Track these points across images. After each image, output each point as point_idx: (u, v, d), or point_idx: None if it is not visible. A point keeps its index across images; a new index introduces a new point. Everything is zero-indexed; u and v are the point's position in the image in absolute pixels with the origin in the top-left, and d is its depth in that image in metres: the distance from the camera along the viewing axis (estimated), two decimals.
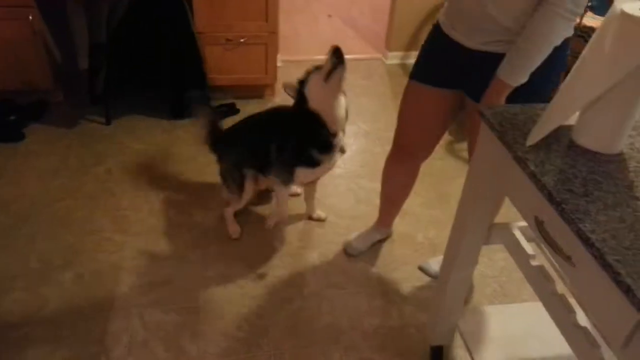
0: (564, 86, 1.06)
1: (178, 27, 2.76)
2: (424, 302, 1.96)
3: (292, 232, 2.26)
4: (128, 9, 2.67)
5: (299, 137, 1.93)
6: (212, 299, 1.93)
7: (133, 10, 2.68)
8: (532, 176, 1.04)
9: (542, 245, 1.41)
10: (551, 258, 1.37)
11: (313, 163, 1.95)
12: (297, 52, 3.97)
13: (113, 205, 2.34)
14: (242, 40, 2.97)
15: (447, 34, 1.56)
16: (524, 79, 1.41)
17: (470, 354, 1.53)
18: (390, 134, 3.04)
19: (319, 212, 2.34)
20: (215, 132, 2.22)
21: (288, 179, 2.00)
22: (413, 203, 2.45)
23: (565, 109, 1.06)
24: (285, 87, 1.92)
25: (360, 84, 3.57)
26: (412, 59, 3.88)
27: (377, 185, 2.57)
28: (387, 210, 2.16)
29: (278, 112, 2.14)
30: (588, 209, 0.94)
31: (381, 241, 2.24)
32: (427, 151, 1.90)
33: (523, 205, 1.13)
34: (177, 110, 3.02)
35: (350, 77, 3.62)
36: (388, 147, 2.93)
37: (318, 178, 2.19)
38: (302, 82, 1.88)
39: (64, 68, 3.11)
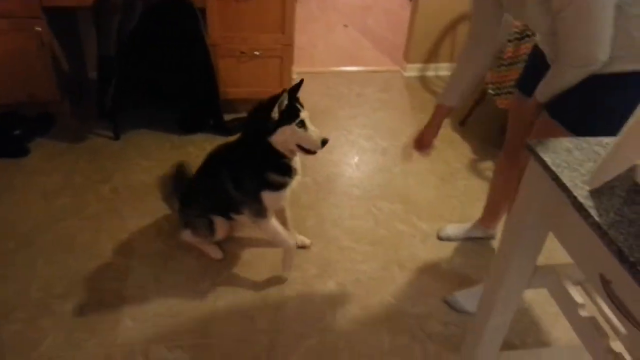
0: (635, 124, 0.91)
1: (191, 39, 2.65)
2: (450, 340, 1.81)
3: (307, 259, 2.13)
4: (140, 20, 2.56)
5: (254, 164, 1.81)
6: (221, 333, 1.79)
7: (145, 22, 2.57)
8: (597, 228, 0.89)
9: (594, 294, 1.27)
10: (604, 309, 1.22)
11: (277, 186, 1.83)
12: (313, 63, 3.84)
13: (118, 227, 2.22)
14: (256, 53, 2.84)
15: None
16: (546, 100, 1.49)
17: None
18: (410, 152, 2.92)
19: (301, 238, 2.19)
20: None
21: (260, 209, 1.86)
22: (436, 227, 2.31)
23: (636, 151, 0.91)
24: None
25: (378, 98, 3.44)
26: (431, 71, 3.75)
27: (397, 207, 2.45)
28: (490, 208, 2.16)
29: (221, 150, 1.98)
30: None
31: (481, 239, 2.25)
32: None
33: (584, 259, 0.99)
34: (188, 125, 2.90)
35: (367, 91, 3.52)
36: (408, 166, 2.82)
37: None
38: (267, 127, 1.71)
39: (72, 79, 3.02)
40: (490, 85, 2.81)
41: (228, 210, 2.00)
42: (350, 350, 1.76)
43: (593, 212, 0.91)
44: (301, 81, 1.81)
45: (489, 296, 1.35)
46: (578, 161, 1.04)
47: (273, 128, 1.70)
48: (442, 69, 3.75)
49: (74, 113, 2.96)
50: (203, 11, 2.67)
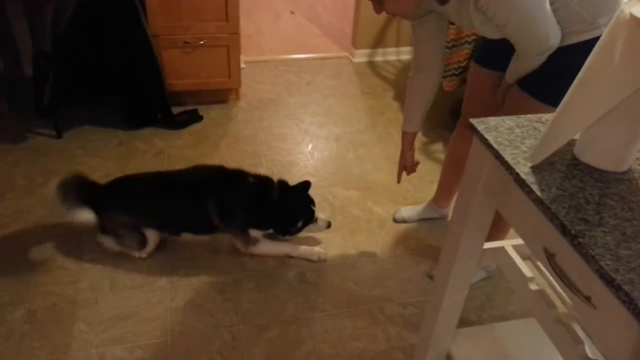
0: (569, 100, 0.95)
1: (130, 30, 2.55)
2: (409, 321, 1.85)
3: None
4: (74, 12, 2.45)
5: (259, 217, 2.01)
6: (181, 331, 1.76)
7: (80, 14, 2.46)
8: (540, 203, 0.92)
9: (541, 266, 1.32)
10: (552, 280, 1.28)
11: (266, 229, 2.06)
12: (261, 52, 3.80)
13: (66, 230, 2.13)
14: (201, 42, 2.78)
15: None
16: (515, 81, 1.59)
17: None
18: (363, 136, 2.95)
19: None
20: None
21: (248, 239, 2.03)
22: (391, 211, 2.34)
23: (572, 126, 0.95)
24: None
25: (328, 84, 3.43)
26: (380, 56, 3.78)
27: (353, 193, 2.46)
28: (443, 187, 2.21)
29: (211, 178, 2.00)
30: (607, 242, 0.83)
31: (435, 219, 2.31)
32: None
33: (528, 234, 1.02)
34: (134, 120, 2.81)
35: (317, 78, 3.51)
36: (362, 151, 2.84)
37: None
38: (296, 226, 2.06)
39: (7, 77, 2.87)
40: None
41: (185, 230, 2.03)
42: (313, 338, 1.77)
43: (535, 188, 0.94)
44: (308, 184, 2.08)
45: (442, 275, 1.38)
46: (519, 138, 1.07)
47: (301, 228, 2.06)
48: (390, 54, 3.78)
49: (12, 112, 2.82)
50: (142, 0, 2.58)
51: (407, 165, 2.02)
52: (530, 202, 0.95)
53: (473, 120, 1.13)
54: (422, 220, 2.31)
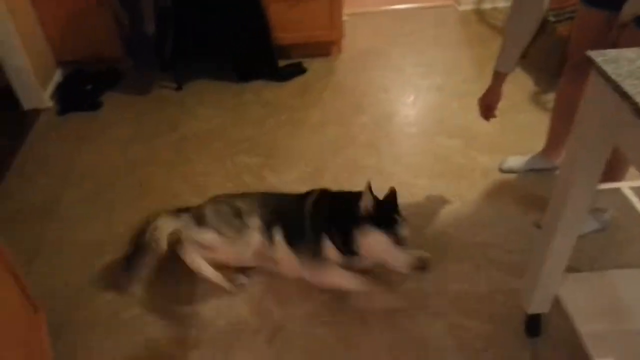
0: None
1: None
2: (513, 267, 1.84)
3: None
4: None
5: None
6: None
7: None
8: None
9: None
10: None
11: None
12: (363, 3, 3.78)
13: (189, 171, 2.36)
14: None
15: None
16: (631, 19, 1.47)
17: (573, 323, 1.41)
18: (468, 86, 2.88)
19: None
20: None
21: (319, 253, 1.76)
22: (495, 161, 2.30)
23: None
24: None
25: (431, 34, 3.36)
26: (487, 3, 3.60)
27: (456, 142, 2.44)
28: (553, 137, 2.14)
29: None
30: None
31: (544, 170, 2.22)
32: None
33: None
34: (244, 74, 2.98)
35: (420, 27, 3.45)
36: (466, 101, 2.78)
37: None
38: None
39: (132, 34, 3.14)
40: (550, 12, 2.69)
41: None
42: (415, 276, 1.81)
43: None
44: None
45: (553, 216, 1.36)
46: None
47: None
48: (499, 0, 3.59)
49: (137, 67, 3.11)
50: None
51: (492, 104, 1.91)
52: None
53: (590, 53, 1.09)
54: (530, 170, 2.24)
